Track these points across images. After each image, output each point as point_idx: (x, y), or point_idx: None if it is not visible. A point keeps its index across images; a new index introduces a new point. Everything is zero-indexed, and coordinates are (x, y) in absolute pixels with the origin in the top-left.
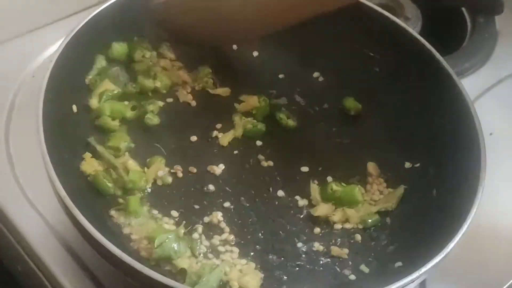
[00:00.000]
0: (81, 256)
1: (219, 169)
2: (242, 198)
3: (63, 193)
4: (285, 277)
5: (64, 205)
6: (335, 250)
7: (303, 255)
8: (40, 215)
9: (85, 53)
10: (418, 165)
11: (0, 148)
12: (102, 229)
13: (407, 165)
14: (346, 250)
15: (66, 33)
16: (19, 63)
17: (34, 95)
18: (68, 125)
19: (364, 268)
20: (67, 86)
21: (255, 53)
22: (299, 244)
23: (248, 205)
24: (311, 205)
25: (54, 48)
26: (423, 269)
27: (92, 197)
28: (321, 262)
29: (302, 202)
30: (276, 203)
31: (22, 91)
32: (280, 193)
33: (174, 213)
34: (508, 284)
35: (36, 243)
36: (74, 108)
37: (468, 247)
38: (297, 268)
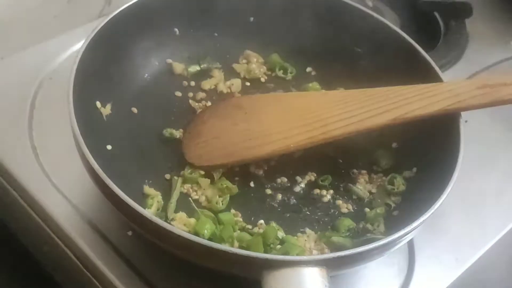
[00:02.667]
0: (103, 230)
1: None
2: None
3: (96, 166)
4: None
5: (96, 177)
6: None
7: None
8: (64, 197)
9: (108, 49)
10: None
11: (25, 142)
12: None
13: (394, 145)
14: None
15: (79, 40)
16: (37, 67)
17: (53, 95)
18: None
19: None
20: (91, 79)
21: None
22: None
23: None
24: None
25: (68, 53)
26: (414, 224)
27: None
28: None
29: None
30: None
31: (41, 92)
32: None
33: None
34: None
35: (63, 221)
36: (98, 104)
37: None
38: None
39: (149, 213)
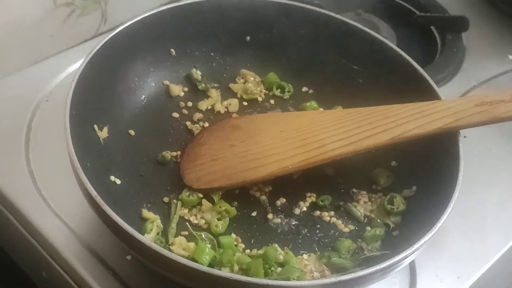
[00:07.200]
0: (102, 255)
1: None
2: None
3: (94, 193)
4: None
5: (94, 203)
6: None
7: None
8: (62, 221)
9: (104, 72)
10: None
11: (22, 165)
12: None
13: (393, 163)
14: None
15: (76, 60)
16: (34, 89)
17: (50, 117)
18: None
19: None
20: (87, 103)
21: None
22: None
23: None
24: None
25: (65, 74)
26: (415, 246)
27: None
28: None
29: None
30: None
31: (37, 114)
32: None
33: None
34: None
35: (61, 247)
36: (95, 127)
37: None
38: None
39: (147, 239)
